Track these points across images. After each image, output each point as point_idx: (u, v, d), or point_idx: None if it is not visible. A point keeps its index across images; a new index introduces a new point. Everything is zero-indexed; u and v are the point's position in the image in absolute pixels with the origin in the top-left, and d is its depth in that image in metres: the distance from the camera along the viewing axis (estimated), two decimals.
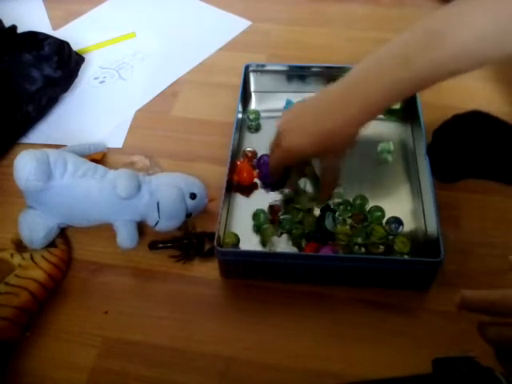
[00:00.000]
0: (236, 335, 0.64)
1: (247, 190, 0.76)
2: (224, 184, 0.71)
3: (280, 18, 1.09)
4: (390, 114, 0.84)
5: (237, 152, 0.79)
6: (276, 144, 0.68)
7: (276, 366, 0.61)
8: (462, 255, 0.69)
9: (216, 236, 0.65)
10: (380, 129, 0.83)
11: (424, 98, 0.80)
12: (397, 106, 0.85)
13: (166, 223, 0.70)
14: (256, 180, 0.77)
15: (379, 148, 0.80)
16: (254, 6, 1.12)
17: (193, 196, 0.71)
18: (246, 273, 0.67)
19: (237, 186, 0.76)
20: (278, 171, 0.71)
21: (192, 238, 0.71)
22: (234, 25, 1.07)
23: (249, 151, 0.80)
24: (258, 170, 0.77)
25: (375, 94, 0.59)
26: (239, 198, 0.76)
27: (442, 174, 0.73)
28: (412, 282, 0.66)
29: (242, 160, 0.79)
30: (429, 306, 0.65)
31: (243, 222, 0.73)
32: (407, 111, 0.84)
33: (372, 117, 0.61)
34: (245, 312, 0.66)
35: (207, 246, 0.71)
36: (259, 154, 0.80)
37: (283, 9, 1.11)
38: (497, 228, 0.72)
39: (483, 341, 0.45)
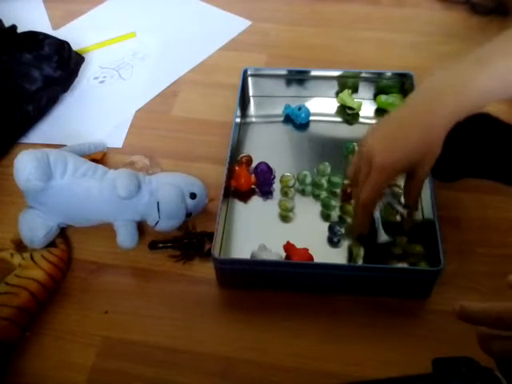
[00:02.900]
0: (236, 335, 0.64)
1: (245, 195, 0.76)
2: (222, 191, 0.70)
3: (280, 18, 1.09)
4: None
5: (235, 157, 0.79)
6: (365, 169, 0.62)
7: (276, 366, 0.61)
8: (461, 255, 0.69)
9: (213, 244, 0.64)
10: None
11: None
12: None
13: (166, 223, 0.70)
14: (254, 186, 0.76)
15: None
16: (253, 6, 1.12)
17: (193, 196, 0.71)
18: (244, 281, 0.67)
19: (234, 191, 0.75)
20: (371, 209, 0.65)
21: (192, 238, 0.71)
22: (234, 25, 1.07)
23: (243, 157, 0.79)
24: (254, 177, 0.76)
25: (458, 100, 0.59)
26: (237, 204, 0.75)
27: (441, 174, 0.73)
28: (411, 290, 0.65)
29: (240, 166, 0.77)
30: (429, 305, 0.65)
31: (242, 228, 0.72)
32: None
33: (463, 114, 0.59)
34: (245, 312, 0.66)
35: (207, 246, 0.71)
36: (254, 160, 0.79)
37: (283, 9, 1.11)
38: (497, 228, 0.72)
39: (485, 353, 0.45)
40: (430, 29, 1.05)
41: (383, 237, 0.70)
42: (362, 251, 0.68)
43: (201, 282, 0.68)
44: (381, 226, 0.70)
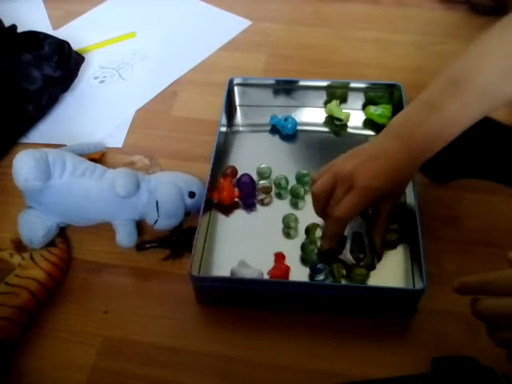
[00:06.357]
0: (236, 335, 0.64)
1: (228, 209, 0.74)
2: (202, 205, 0.68)
3: (280, 18, 1.09)
4: (379, 127, 0.82)
5: (220, 168, 0.76)
6: (343, 189, 0.62)
7: (276, 366, 0.61)
8: (461, 255, 0.69)
9: (191, 261, 0.62)
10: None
11: None
12: (386, 119, 0.82)
13: (165, 222, 0.70)
14: (237, 199, 0.74)
15: None
16: (253, 6, 1.12)
17: (192, 195, 0.71)
18: (223, 299, 0.65)
19: (217, 204, 0.73)
20: (343, 227, 0.65)
21: (179, 235, 0.71)
22: (233, 25, 1.07)
23: (228, 168, 0.77)
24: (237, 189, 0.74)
25: (417, 143, 0.63)
26: (219, 217, 0.73)
27: (435, 174, 0.73)
28: (394, 309, 0.64)
29: (225, 178, 0.75)
30: (428, 305, 0.65)
31: (224, 242, 0.70)
32: None
33: (427, 157, 0.64)
34: (244, 312, 0.66)
35: None
36: (240, 170, 0.76)
37: (283, 9, 1.12)
38: (497, 228, 0.72)
39: (475, 318, 0.48)
40: (430, 29, 1.05)
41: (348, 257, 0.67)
42: (344, 270, 0.66)
43: None
44: (348, 247, 0.68)
